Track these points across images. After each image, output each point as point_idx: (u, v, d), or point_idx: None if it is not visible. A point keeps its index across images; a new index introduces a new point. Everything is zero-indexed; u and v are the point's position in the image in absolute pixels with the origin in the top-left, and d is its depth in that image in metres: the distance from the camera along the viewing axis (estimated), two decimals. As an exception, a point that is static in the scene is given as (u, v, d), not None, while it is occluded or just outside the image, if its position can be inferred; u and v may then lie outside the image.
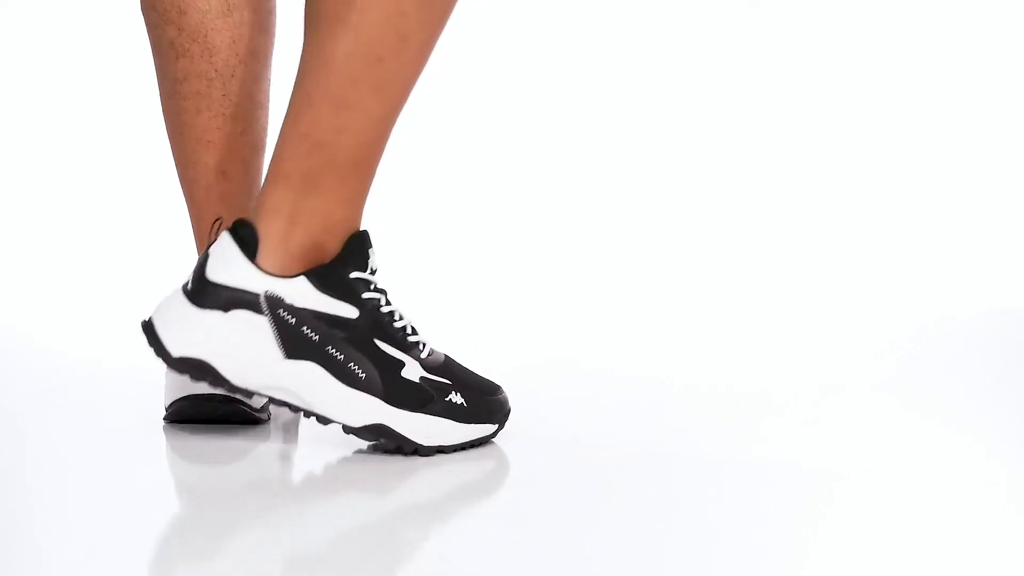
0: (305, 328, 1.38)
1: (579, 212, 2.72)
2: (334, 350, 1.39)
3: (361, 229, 1.42)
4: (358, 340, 1.40)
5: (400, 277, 2.44)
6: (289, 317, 1.38)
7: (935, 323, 2.27)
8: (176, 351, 1.37)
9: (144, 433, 1.52)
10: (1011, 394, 1.77)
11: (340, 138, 1.39)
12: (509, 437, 1.48)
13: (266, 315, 1.38)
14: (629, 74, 2.80)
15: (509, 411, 1.46)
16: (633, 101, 2.80)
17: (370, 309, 1.40)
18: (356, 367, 1.40)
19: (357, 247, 1.41)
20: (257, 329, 1.38)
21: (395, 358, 1.41)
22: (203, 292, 1.38)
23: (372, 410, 1.40)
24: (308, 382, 1.39)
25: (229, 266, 1.38)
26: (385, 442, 1.41)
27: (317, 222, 1.40)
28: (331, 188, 1.40)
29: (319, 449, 1.44)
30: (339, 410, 1.40)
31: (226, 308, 1.38)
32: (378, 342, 1.40)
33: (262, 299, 1.38)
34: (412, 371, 1.42)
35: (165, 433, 1.51)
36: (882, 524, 1.24)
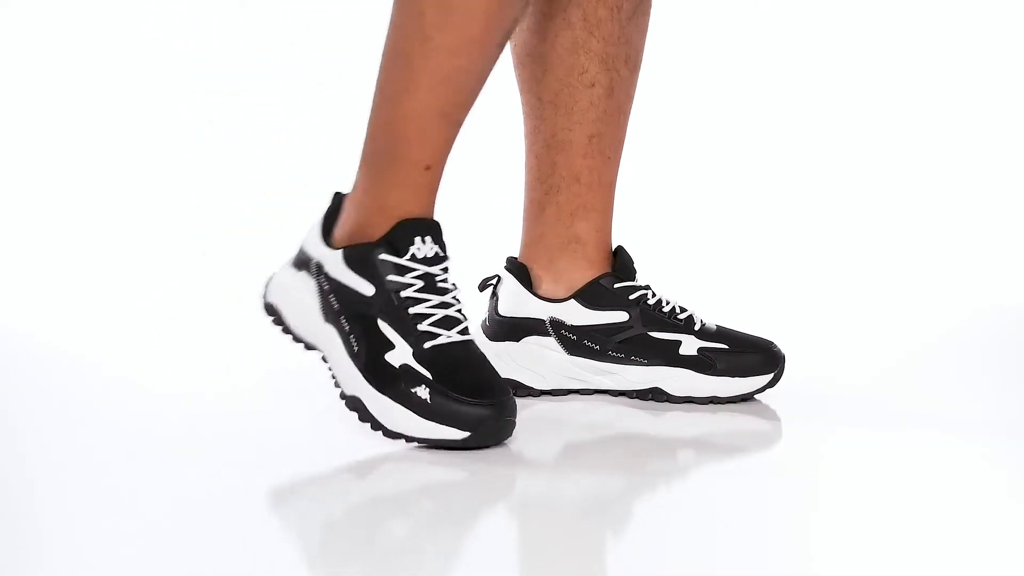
0: (332, 297, 1.51)
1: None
2: (345, 321, 1.50)
3: (418, 218, 1.49)
4: (363, 316, 1.49)
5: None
6: (325, 284, 1.52)
7: (935, 321, 2.25)
8: (266, 298, 1.59)
9: (142, 435, 1.54)
10: (1010, 393, 1.78)
11: (379, 129, 1.50)
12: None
13: (314, 279, 1.53)
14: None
15: (493, 430, 1.45)
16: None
17: (387, 291, 1.48)
18: (354, 340, 1.49)
19: (400, 233, 1.49)
20: (308, 290, 1.54)
21: (386, 339, 1.48)
22: (295, 256, 1.58)
23: (354, 382, 1.49)
24: (330, 345, 1.51)
25: (309, 236, 1.57)
26: (359, 417, 1.48)
27: (372, 203, 1.51)
28: (383, 173, 1.50)
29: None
30: (340, 376, 1.50)
31: (298, 267, 1.56)
32: (381, 322, 1.48)
33: (312, 265, 1.54)
34: (398, 355, 1.47)
35: (161, 433, 1.55)
36: (880, 524, 1.26)
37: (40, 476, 1.41)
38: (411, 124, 1.48)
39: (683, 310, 1.69)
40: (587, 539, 1.24)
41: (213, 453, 1.48)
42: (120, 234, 2.66)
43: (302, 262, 1.55)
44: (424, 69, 1.46)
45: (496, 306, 1.71)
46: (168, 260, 2.58)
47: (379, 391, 1.46)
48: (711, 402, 1.66)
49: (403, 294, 1.47)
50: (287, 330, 1.57)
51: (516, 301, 1.70)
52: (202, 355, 1.98)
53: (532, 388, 1.70)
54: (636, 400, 1.68)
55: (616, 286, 1.69)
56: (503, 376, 1.67)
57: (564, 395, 1.70)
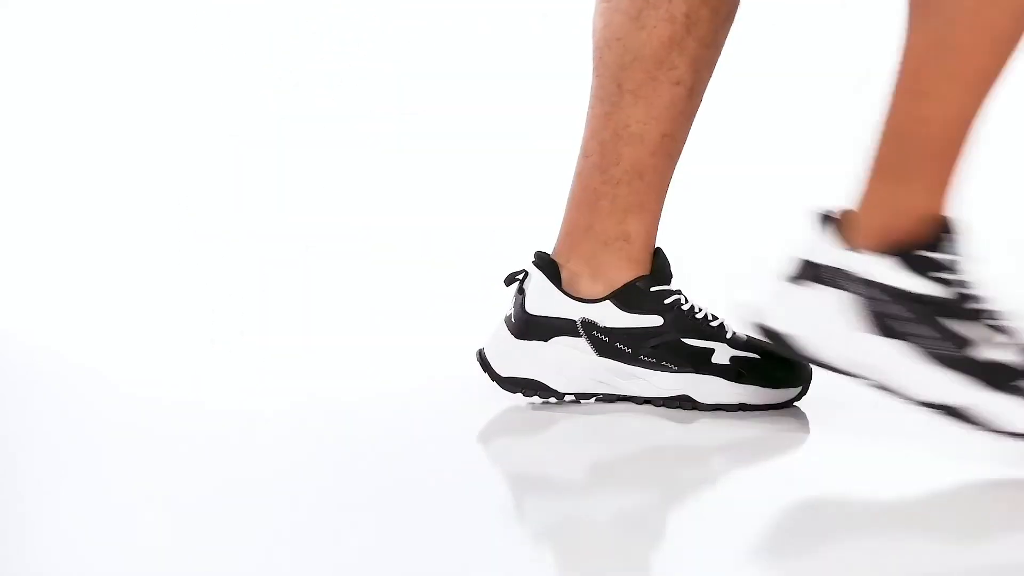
0: (891, 306, 1.47)
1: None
2: (918, 327, 1.47)
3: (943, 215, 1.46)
4: (930, 316, 1.46)
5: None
6: (877, 294, 1.46)
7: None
8: (773, 326, 1.55)
9: (141, 435, 1.56)
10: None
11: (920, 128, 1.45)
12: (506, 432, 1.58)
13: (849, 292, 1.49)
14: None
15: None
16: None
17: (953, 291, 1.47)
18: (932, 343, 1.46)
19: (945, 235, 1.46)
20: (835, 305, 1.49)
21: (960, 335, 1.45)
22: (792, 273, 1.54)
23: (938, 386, 1.45)
24: (886, 359, 1.47)
25: (807, 247, 1.56)
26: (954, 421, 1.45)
27: (904, 206, 1.48)
28: (912, 178, 1.47)
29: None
30: (912, 385, 1.46)
31: (805, 283, 1.52)
32: (946, 319, 1.46)
33: (842, 275, 1.50)
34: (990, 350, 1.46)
35: (162, 434, 1.57)
36: (915, 533, 1.28)
37: (40, 477, 1.42)
38: (954, 124, 1.45)
39: (714, 317, 1.66)
40: (625, 556, 1.23)
41: (214, 456, 1.48)
42: (122, 236, 2.65)
43: (814, 276, 1.51)
44: (973, 62, 1.43)
45: (523, 303, 1.67)
46: (167, 262, 2.57)
47: (993, 391, 1.43)
48: (740, 409, 1.64)
49: (963, 292, 1.45)
50: (804, 357, 1.51)
51: (546, 299, 1.66)
52: (202, 356, 1.98)
53: (555, 390, 1.67)
54: (663, 408, 1.65)
55: (652, 289, 1.66)
56: (526, 376, 1.66)
57: (587, 399, 1.68)
